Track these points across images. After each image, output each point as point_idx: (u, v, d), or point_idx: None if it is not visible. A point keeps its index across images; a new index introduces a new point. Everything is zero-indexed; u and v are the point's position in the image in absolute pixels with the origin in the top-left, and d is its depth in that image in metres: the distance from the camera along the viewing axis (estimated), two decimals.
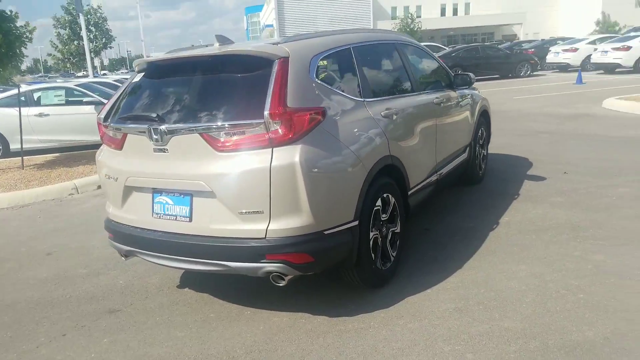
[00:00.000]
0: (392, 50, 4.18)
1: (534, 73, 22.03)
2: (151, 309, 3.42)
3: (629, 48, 19.27)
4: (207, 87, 2.99)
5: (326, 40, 3.39)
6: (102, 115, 3.30)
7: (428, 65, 4.80)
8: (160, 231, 3.03)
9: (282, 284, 2.86)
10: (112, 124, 3.18)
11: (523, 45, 28.54)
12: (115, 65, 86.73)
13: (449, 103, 4.68)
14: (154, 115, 2.91)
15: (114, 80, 14.26)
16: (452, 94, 4.82)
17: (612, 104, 10.91)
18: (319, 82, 3.05)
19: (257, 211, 2.72)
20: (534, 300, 3.06)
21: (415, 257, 3.83)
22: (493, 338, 2.72)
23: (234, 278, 3.65)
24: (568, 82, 17.53)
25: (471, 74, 4.95)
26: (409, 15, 46.48)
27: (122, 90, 3.37)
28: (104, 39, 35.33)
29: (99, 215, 5.82)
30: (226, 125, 2.72)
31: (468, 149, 5.22)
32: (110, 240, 3.42)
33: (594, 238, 3.92)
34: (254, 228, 2.75)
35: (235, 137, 2.73)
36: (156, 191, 3.04)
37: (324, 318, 3.09)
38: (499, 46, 25.17)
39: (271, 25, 65.45)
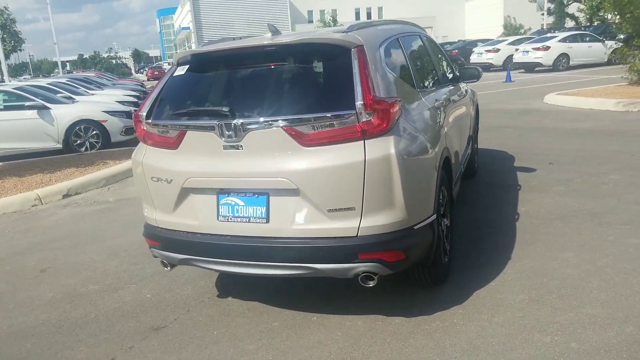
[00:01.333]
0: (422, 41, 4.13)
1: None
2: (203, 323, 3.10)
3: (547, 48, 20.73)
4: (281, 78, 2.75)
5: (382, 29, 3.26)
6: (144, 113, 2.94)
7: (441, 57, 4.80)
8: (229, 235, 2.75)
9: (371, 284, 2.69)
10: (164, 122, 2.84)
11: (445, 47, 29.84)
12: (18, 70, 79.67)
13: (462, 95, 4.72)
14: (225, 109, 2.63)
15: (48, 84, 13.06)
16: (462, 86, 4.87)
17: (554, 99, 11.64)
18: (390, 71, 2.91)
19: (349, 208, 2.53)
20: (600, 286, 3.12)
21: (456, 251, 3.79)
22: (585, 325, 2.72)
23: (276, 283, 3.43)
24: (498, 81, 18.51)
25: (479, 68, 5.02)
26: (330, 18, 47.00)
27: (162, 85, 3.01)
28: (12, 42, 32.53)
29: (80, 227, 5.29)
30: (313, 118, 2.51)
31: (471, 141, 5.30)
32: (154, 249, 3.06)
33: (617, 223, 4.09)
34: (345, 226, 2.56)
35: (322, 130, 2.52)
36: (223, 192, 2.75)
37: (401, 319, 2.95)
38: None
39: (187, 28, 63.76)
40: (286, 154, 2.56)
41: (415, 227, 2.68)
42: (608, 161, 6.00)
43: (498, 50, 23.41)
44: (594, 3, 40.26)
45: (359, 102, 2.47)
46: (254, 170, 2.61)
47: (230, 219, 2.73)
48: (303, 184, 2.53)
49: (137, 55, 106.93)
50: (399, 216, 2.58)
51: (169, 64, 62.61)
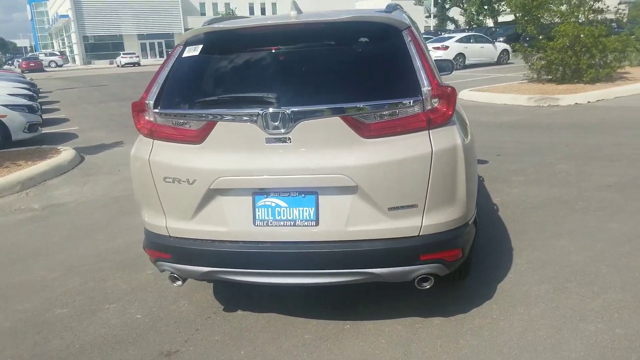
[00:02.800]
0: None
1: None
2: (221, 342, 2.72)
3: (447, 48, 21.96)
4: (327, 61, 2.45)
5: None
6: (151, 101, 2.48)
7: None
8: (268, 242, 2.41)
9: (427, 286, 2.51)
10: (184, 111, 2.41)
11: None
12: None
13: None
14: (271, 96, 2.28)
15: None
16: None
17: (469, 95, 12.28)
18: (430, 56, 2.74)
19: (411, 205, 2.33)
20: (610, 271, 3.23)
21: None
22: (619, 310, 2.79)
23: (286, 291, 3.12)
24: None
25: (452, 60, 5.03)
26: (230, 11, 45.90)
27: (169, 68, 2.56)
28: None
29: (11, 240, 4.52)
30: (376, 106, 2.27)
31: None
32: (163, 262, 2.61)
33: (590, 209, 4.32)
34: (406, 226, 2.35)
35: (385, 120, 2.29)
36: (260, 193, 2.40)
37: (440, 319, 2.81)
38: None
39: (66, 16, 58.69)
40: (344, 147, 2.29)
41: (470, 222, 2.55)
42: (548, 152, 6.39)
43: (447, 47, 24.23)
44: (473, 9, 43.85)
45: (425, 88, 2.27)
46: (304, 166, 2.30)
47: (270, 223, 2.39)
48: (363, 181, 2.28)
49: (3, 45, 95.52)
50: (459, 212, 2.43)
51: (45, 54, 57.09)
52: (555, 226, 4.01)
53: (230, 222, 2.43)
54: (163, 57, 58.03)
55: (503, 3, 42.27)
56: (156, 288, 3.38)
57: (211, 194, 2.42)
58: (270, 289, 3.17)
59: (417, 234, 2.36)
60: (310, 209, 2.36)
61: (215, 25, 2.57)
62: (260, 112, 2.27)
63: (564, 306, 2.87)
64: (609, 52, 11.52)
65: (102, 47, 58.29)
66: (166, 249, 2.57)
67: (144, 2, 57.11)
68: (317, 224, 2.36)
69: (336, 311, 2.94)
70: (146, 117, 2.53)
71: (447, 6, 48.72)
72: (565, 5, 12.13)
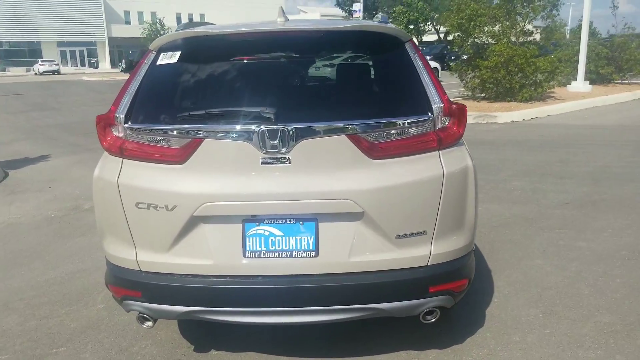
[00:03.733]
0: None
1: None
2: None
3: None
4: (327, 73, 2.21)
5: None
6: (122, 114, 2.13)
7: None
8: (260, 276, 2.11)
9: (432, 320, 2.31)
10: (164, 127, 2.08)
11: None
12: None
13: None
14: (269, 111, 2.00)
15: None
16: None
17: None
18: None
19: (420, 232, 2.14)
20: (592, 292, 3.20)
21: None
22: (613, 334, 2.73)
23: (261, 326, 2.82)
24: None
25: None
26: (157, 20, 44.44)
27: (140, 77, 2.21)
28: None
29: None
30: (385, 124, 2.06)
31: None
32: (132, 301, 2.24)
33: (555, 228, 4.36)
34: (414, 255, 2.15)
35: (394, 139, 2.08)
36: (251, 220, 2.10)
37: (436, 352, 2.63)
38: None
39: None
40: (351, 169, 2.05)
41: (473, 250, 2.39)
42: (499, 169, 6.50)
43: None
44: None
45: (436, 105, 2.10)
46: (304, 190, 2.04)
47: (263, 254, 2.10)
48: (371, 206, 2.05)
49: None
50: (467, 239, 2.26)
51: None
52: (527, 245, 3.99)
53: (216, 254, 2.11)
54: (85, 65, 55.14)
55: (429, 23, 44.17)
56: (111, 326, 2.95)
57: (193, 222, 2.09)
58: (242, 326, 2.86)
59: (425, 264, 2.17)
60: (309, 237, 2.10)
61: (198, 30, 2.25)
62: (256, 129, 1.99)
63: (557, 332, 2.78)
64: (539, 72, 12.15)
65: (18, 54, 54.43)
66: (136, 286, 2.20)
67: (64, 8, 54.04)
68: (316, 254, 2.10)
69: (323, 349, 2.68)
70: (114, 133, 2.17)
71: None
72: (498, 26, 12.68)
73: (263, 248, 2.10)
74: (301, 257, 2.10)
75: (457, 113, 2.16)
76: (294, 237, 2.10)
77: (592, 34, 18.42)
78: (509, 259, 3.74)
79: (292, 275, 2.11)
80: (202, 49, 2.27)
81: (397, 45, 2.24)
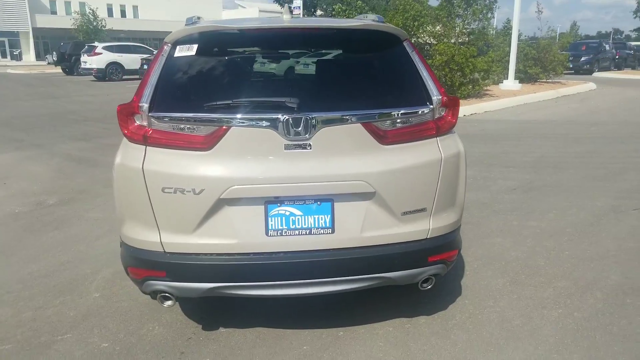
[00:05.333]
0: None
1: None
2: None
3: None
4: (343, 67, 2.45)
5: None
6: (145, 104, 2.26)
7: None
8: (282, 252, 2.32)
9: (428, 287, 2.62)
10: (191, 115, 2.23)
11: None
12: None
13: None
14: (292, 101, 2.21)
15: None
16: None
17: None
18: None
19: (421, 209, 2.43)
20: (547, 263, 3.66)
21: None
22: (569, 296, 3.17)
23: (261, 302, 3.03)
24: None
25: None
26: (91, 11, 42.34)
27: (159, 68, 2.35)
28: None
29: None
30: (394, 114, 2.34)
31: None
32: (155, 281, 2.37)
33: (507, 210, 4.84)
34: (416, 229, 2.45)
35: (400, 127, 2.36)
36: (272, 201, 2.31)
37: (425, 318, 2.94)
38: None
39: None
40: (364, 154, 2.31)
41: (460, 225, 2.72)
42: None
43: None
44: None
45: (436, 97, 2.39)
46: (323, 173, 2.27)
47: (284, 232, 2.31)
48: (382, 186, 2.32)
49: None
50: (458, 214, 2.59)
51: None
52: (486, 226, 4.42)
53: (240, 234, 2.30)
54: (6, 57, 51.62)
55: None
56: (112, 312, 3.03)
57: (219, 204, 2.27)
58: (249, 302, 3.04)
59: (425, 237, 2.47)
60: (326, 216, 2.33)
61: (217, 25, 2.41)
62: (282, 117, 2.20)
63: (523, 297, 3.18)
64: (477, 71, 12.96)
65: None
66: (160, 266, 2.34)
67: None
68: (333, 231, 2.34)
69: (324, 319, 2.91)
70: (137, 122, 2.29)
71: None
72: (439, 27, 13.39)
73: (284, 227, 2.31)
74: (319, 233, 2.33)
75: (452, 104, 2.47)
76: (312, 216, 2.33)
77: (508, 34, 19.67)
78: (473, 237, 4.14)
79: (311, 251, 2.33)
80: (219, 43, 2.44)
81: (397, 43, 2.52)
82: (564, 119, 11.09)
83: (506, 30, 19.21)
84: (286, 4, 2.73)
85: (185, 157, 2.26)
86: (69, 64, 26.63)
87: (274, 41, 2.46)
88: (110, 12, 58.54)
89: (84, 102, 14.76)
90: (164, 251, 2.34)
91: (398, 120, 2.36)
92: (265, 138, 2.23)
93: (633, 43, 40.40)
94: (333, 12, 43.70)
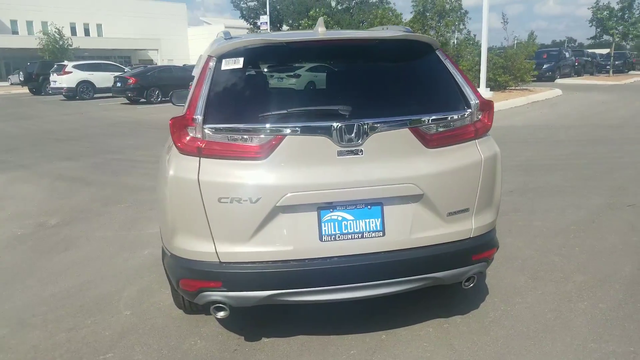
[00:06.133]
0: None
1: None
2: None
3: None
4: (385, 75, 2.53)
5: None
6: (200, 116, 2.29)
7: None
8: (335, 257, 2.38)
9: (470, 285, 2.71)
10: (249, 126, 2.27)
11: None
12: None
13: None
14: (344, 109, 2.28)
15: None
16: None
17: None
18: None
19: (465, 209, 2.53)
20: (562, 259, 3.82)
21: None
22: (589, 289, 3.31)
23: (298, 311, 3.07)
24: None
25: None
26: (56, 30, 41.46)
27: (208, 82, 2.38)
28: None
29: None
30: (438, 118, 2.44)
31: None
32: (210, 292, 2.39)
33: (510, 211, 5.00)
34: (460, 229, 2.54)
35: (443, 131, 2.47)
36: (326, 207, 2.36)
37: (460, 318, 3.03)
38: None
39: None
40: (412, 157, 2.40)
41: (496, 222, 2.83)
42: None
43: None
44: None
45: (473, 102, 2.51)
46: (374, 177, 2.34)
47: (338, 237, 2.37)
48: (430, 188, 2.41)
49: None
50: (495, 213, 2.70)
51: None
52: None
53: (295, 240, 2.34)
54: None
55: None
56: (149, 329, 3.01)
57: (274, 212, 2.31)
58: (287, 311, 3.07)
59: (469, 237, 2.56)
60: (376, 220, 2.40)
61: (262, 38, 2.47)
62: (335, 125, 2.27)
63: (548, 292, 3.31)
64: None
65: None
66: (216, 277, 2.36)
67: None
68: (383, 234, 2.41)
69: (363, 324, 2.96)
70: (191, 134, 2.32)
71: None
72: None
73: (337, 231, 2.37)
74: (371, 237, 2.39)
75: (488, 108, 2.59)
76: (363, 220, 2.39)
77: (477, 45, 20.32)
78: None
79: (364, 254, 2.39)
80: (265, 55, 2.50)
81: (432, 51, 2.63)
82: (540, 123, 11.51)
83: (467, 40, 19.91)
84: (320, 17, 2.74)
85: (241, 166, 2.30)
86: (37, 83, 25.99)
87: (317, 52, 2.54)
88: (73, 31, 57.44)
89: (59, 122, 14.44)
90: (220, 261, 2.36)
91: (441, 124, 2.46)
92: (319, 145, 2.29)
93: (590, 50, 42.27)
94: (300, 27, 44.17)
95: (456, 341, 2.77)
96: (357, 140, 2.30)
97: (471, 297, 3.26)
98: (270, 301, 2.41)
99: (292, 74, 2.51)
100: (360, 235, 2.39)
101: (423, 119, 2.42)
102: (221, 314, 2.48)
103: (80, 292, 3.54)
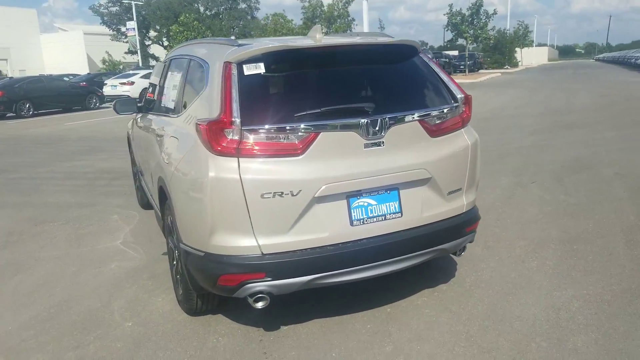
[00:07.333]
0: None
1: (102, 105, 22.28)
2: (301, 355, 2.75)
3: (133, 83, 23.37)
4: (384, 76, 2.88)
5: None
6: (238, 119, 2.43)
7: None
8: (364, 239, 2.66)
9: (462, 253, 3.16)
10: (284, 125, 2.46)
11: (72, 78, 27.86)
12: None
13: None
14: (368, 106, 2.58)
15: None
16: None
17: None
18: None
19: (459, 189, 2.97)
20: (501, 229, 4.47)
21: None
22: (534, 251, 3.97)
23: (295, 297, 3.29)
24: None
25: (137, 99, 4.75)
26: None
27: (235, 86, 2.51)
28: None
29: None
30: (439, 111, 2.84)
31: None
32: (256, 284, 2.53)
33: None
34: (457, 206, 2.97)
35: (441, 122, 2.87)
36: (354, 195, 2.64)
37: (445, 285, 3.46)
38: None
39: None
40: (421, 146, 2.76)
41: None
42: None
43: (133, 82, 23.68)
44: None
45: (460, 96, 2.94)
46: (394, 165, 2.67)
47: (366, 221, 2.65)
48: (436, 172, 2.79)
49: None
50: (476, 192, 3.17)
51: None
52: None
53: (329, 227, 2.58)
54: None
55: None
56: (161, 335, 3.00)
57: (312, 203, 2.52)
58: (290, 298, 3.25)
59: (463, 212, 3.00)
60: (395, 202, 2.73)
61: (282, 45, 2.65)
62: (363, 120, 2.55)
63: (503, 257, 3.90)
64: None
65: None
66: (259, 268, 2.50)
67: None
68: (401, 215, 2.74)
69: (367, 302, 3.26)
70: (228, 136, 2.44)
71: (147, 43, 48.98)
72: None
73: (364, 216, 2.65)
74: (392, 218, 2.72)
75: (469, 101, 3.05)
76: (385, 204, 2.71)
77: None
78: None
79: (386, 234, 2.71)
80: (284, 60, 2.67)
81: (415, 53, 3.03)
82: None
83: None
84: (318, 24, 2.77)
85: (281, 163, 2.48)
86: None
87: (339, 57, 2.83)
88: None
89: None
90: (262, 253, 2.51)
91: (440, 117, 2.87)
92: (348, 139, 2.56)
93: (448, 52, 46.83)
94: (170, 33, 42.90)
95: (452, 306, 3.20)
96: (380, 133, 2.61)
97: (445, 267, 3.73)
98: (309, 285, 2.61)
99: (311, 76, 2.74)
100: (383, 218, 2.70)
101: (428, 113, 2.81)
102: (261, 304, 2.61)
103: (62, 311, 3.37)
